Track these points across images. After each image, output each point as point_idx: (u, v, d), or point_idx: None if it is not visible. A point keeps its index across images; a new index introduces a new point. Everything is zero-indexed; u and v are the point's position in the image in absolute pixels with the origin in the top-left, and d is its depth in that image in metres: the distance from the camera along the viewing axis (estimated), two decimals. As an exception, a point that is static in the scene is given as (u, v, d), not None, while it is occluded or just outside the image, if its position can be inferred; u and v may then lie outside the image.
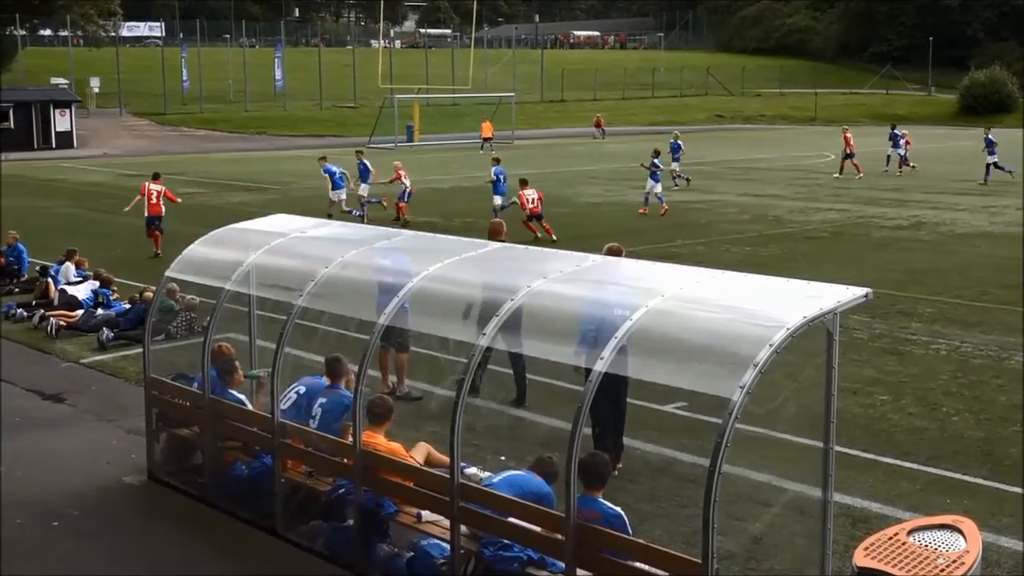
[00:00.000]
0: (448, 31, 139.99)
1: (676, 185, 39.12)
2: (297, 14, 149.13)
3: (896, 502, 10.37)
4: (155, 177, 26.56)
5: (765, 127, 64.21)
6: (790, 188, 39.84)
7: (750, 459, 10.46)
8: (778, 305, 7.46)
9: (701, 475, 7.05)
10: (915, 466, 11.41)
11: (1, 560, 9.19)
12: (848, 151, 43.28)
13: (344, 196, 31.26)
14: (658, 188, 32.39)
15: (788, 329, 6.93)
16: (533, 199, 27.04)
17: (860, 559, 6.29)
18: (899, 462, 11.51)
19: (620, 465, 10.79)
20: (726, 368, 7.01)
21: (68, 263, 20.21)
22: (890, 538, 6.46)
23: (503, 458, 8.73)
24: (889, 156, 44.83)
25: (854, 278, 18.26)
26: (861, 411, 13.19)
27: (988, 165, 40.34)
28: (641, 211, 31.98)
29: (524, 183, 27.42)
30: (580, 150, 60.32)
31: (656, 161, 32.93)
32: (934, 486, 10.89)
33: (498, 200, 29.70)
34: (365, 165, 32.11)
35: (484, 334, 8.17)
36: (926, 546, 6.35)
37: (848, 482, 10.47)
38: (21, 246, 22.04)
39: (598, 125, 71.56)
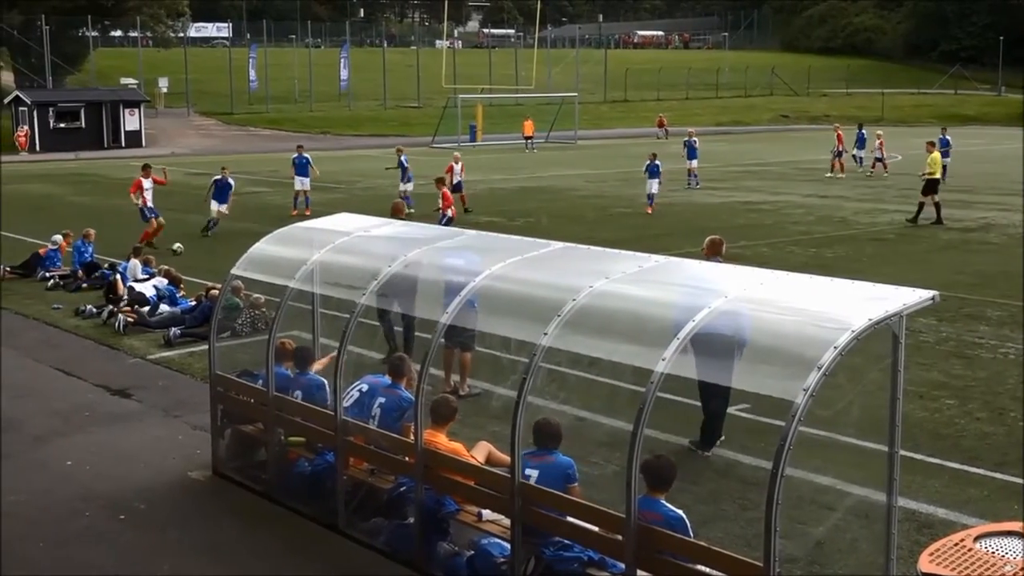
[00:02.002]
0: (512, 31, 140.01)
1: (690, 185, 39.45)
2: (362, 15, 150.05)
3: (962, 508, 10.23)
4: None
5: (831, 127, 63.56)
6: (856, 189, 39.41)
7: (813, 462, 10.39)
8: (843, 307, 7.38)
9: (764, 478, 7.00)
10: (982, 471, 11.23)
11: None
12: (839, 149, 43.93)
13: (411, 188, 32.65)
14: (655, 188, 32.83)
15: (853, 331, 6.86)
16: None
17: (925, 565, 6.22)
18: (966, 467, 11.35)
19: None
20: (790, 370, 6.96)
21: (135, 260, 20.50)
22: (956, 544, 6.37)
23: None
24: (859, 157, 45.14)
25: (920, 280, 18.05)
26: (927, 415, 13.02)
27: None
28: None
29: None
30: (643, 150, 59.90)
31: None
32: (1001, 492, 10.72)
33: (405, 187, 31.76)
34: (403, 162, 33.58)
35: (546, 334, 8.17)
36: (993, 553, 6.26)
37: (913, 487, 10.35)
38: (81, 243, 22.41)
39: (661, 125, 71.27)
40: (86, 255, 22.21)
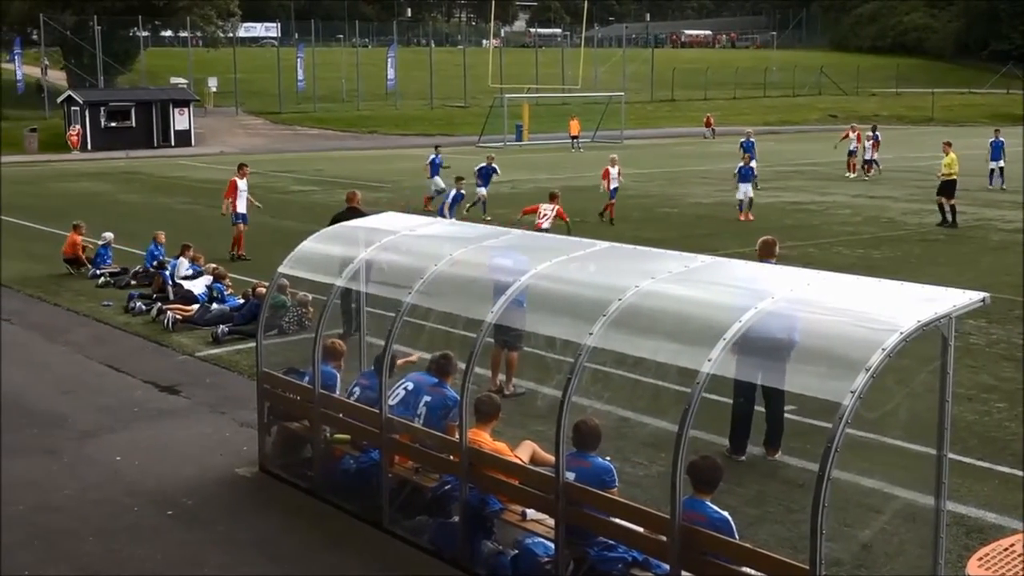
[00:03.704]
0: (558, 30, 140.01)
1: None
2: (409, 14, 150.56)
3: (1012, 512, 10.10)
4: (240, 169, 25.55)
5: (880, 127, 63.13)
6: (904, 189, 39.05)
7: (860, 465, 10.32)
8: (891, 308, 7.32)
9: (810, 480, 6.96)
10: (1033, 476, 11.10)
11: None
12: (855, 147, 43.58)
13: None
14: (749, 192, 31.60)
15: (901, 333, 6.80)
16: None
17: (974, 570, 6.17)
18: (1016, 471, 11.20)
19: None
20: (837, 372, 6.91)
21: (182, 258, 20.68)
22: (1006, 549, 6.31)
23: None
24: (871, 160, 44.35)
25: (970, 282, 17.88)
26: (976, 418, 12.88)
27: None
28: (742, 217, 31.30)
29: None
30: (690, 150, 59.91)
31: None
32: (1053, 497, 10.59)
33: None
34: (435, 161, 34.02)
35: (591, 333, 8.16)
36: (1043, 558, 6.19)
37: (962, 490, 10.25)
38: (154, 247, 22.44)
39: (708, 125, 70.99)
40: (159, 256, 22.18)
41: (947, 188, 30.13)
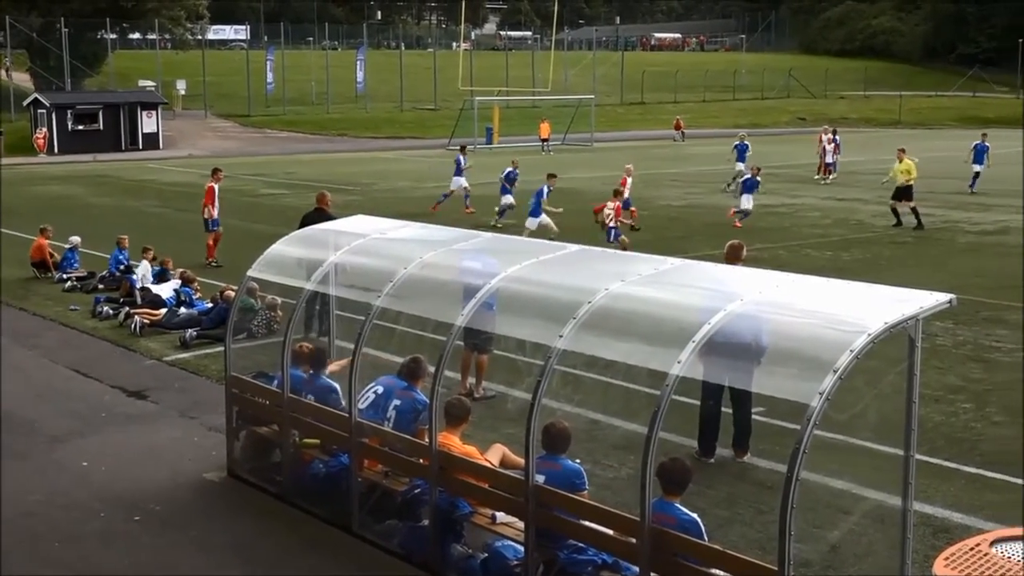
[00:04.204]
0: (528, 33, 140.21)
1: (729, 187, 38.89)
2: (379, 17, 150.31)
3: (979, 512, 10.17)
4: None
5: (849, 130, 63.39)
6: (873, 192, 39.21)
7: (829, 466, 10.36)
8: (860, 310, 7.36)
9: (779, 481, 6.98)
10: (999, 476, 11.18)
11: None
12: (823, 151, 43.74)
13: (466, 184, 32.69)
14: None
15: (869, 335, 6.84)
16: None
17: (940, 569, 6.20)
18: (983, 471, 11.29)
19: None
20: (805, 373, 6.93)
21: (144, 261, 20.61)
22: (972, 549, 6.35)
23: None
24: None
25: (938, 284, 17.99)
26: (943, 419, 12.97)
27: None
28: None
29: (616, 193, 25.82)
30: (660, 152, 60.04)
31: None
32: (1018, 497, 10.66)
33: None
34: (459, 161, 33.60)
35: (561, 336, 8.16)
36: (1009, 557, 6.24)
37: (929, 491, 10.31)
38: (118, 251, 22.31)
39: (678, 128, 71.17)
40: (123, 261, 22.08)
41: (906, 192, 30.47)
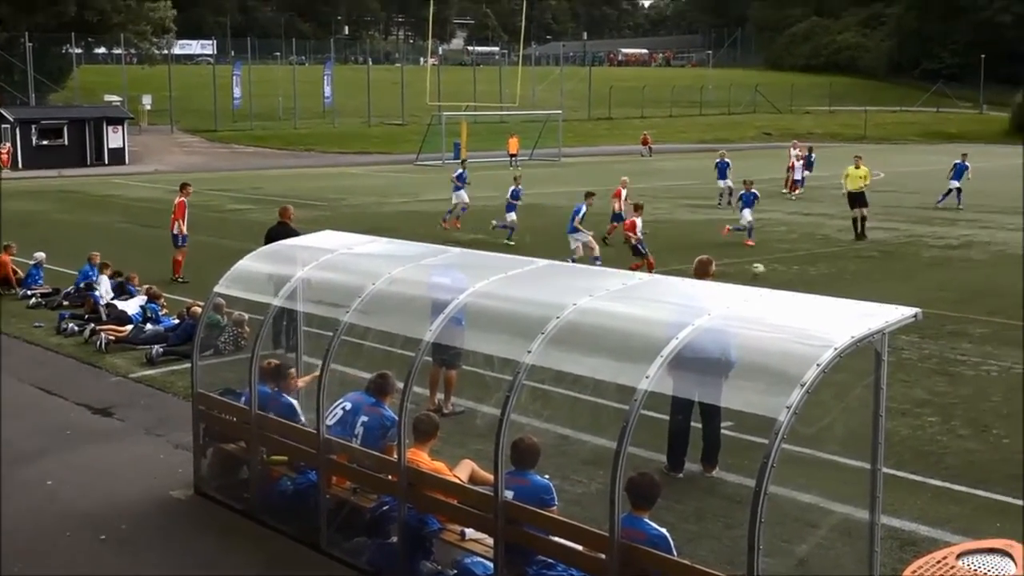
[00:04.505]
0: (496, 48, 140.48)
1: (720, 204, 39.02)
2: (347, 32, 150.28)
3: (945, 525, 10.23)
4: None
5: (815, 144, 63.87)
6: (839, 207, 39.37)
7: (797, 480, 10.39)
8: (826, 325, 7.40)
9: (748, 495, 6.99)
10: (965, 488, 11.26)
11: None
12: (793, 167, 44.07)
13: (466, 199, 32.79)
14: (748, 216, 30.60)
15: (836, 349, 6.87)
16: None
17: (908, 583, 6.22)
18: (949, 484, 11.36)
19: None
20: (773, 388, 6.96)
21: (103, 276, 20.49)
22: (938, 561, 6.37)
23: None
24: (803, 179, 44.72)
25: (903, 298, 18.08)
26: (910, 432, 13.04)
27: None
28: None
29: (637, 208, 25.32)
30: (628, 168, 60.13)
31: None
32: (984, 509, 10.74)
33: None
34: (460, 175, 33.86)
35: (530, 351, 8.16)
36: (975, 570, 6.26)
37: (896, 504, 10.35)
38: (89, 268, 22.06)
39: (645, 143, 71.43)
40: (92, 277, 21.80)
41: (859, 199, 31.09)
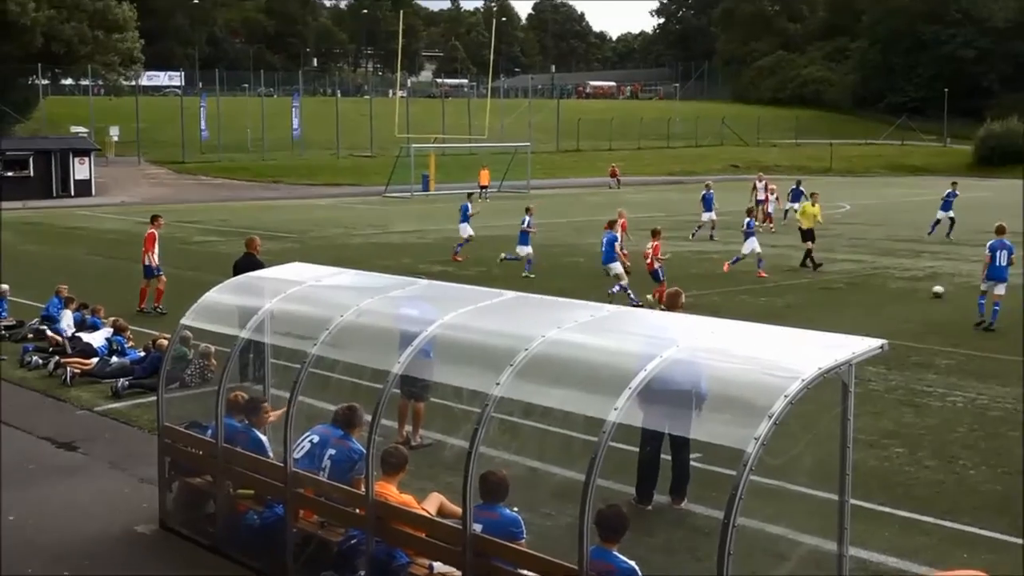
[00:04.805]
0: (465, 81, 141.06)
1: (694, 235, 39.21)
2: (315, 64, 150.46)
3: (913, 556, 10.27)
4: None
5: (781, 177, 64.25)
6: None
7: (765, 511, 10.39)
8: (793, 356, 7.43)
9: (716, 527, 6.99)
10: (932, 519, 11.30)
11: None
12: (760, 198, 44.24)
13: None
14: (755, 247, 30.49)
15: (803, 380, 6.90)
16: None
17: (877, 614, 6.22)
18: (916, 515, 11.41)
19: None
20: (741, 419, 6.98)
21: (66, 310, 20.34)
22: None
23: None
24: (791, 210, 44.07)
25: (870, 329, 18.16)
26: (877, 463, 13.09)
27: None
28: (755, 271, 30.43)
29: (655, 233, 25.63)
30: (596, 200, 60.43)
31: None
32: (952, 540, 10.79)
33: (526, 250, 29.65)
34: (465, 208, 33.91)
35: (498, 383, 8.14)
36: (944, 602, 6.28)
37: (864, 535, 10.37)
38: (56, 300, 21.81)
39: (613, 175, 71.73)
40: (57, 310, 21.58)
41: (809, 234, 31.78)
